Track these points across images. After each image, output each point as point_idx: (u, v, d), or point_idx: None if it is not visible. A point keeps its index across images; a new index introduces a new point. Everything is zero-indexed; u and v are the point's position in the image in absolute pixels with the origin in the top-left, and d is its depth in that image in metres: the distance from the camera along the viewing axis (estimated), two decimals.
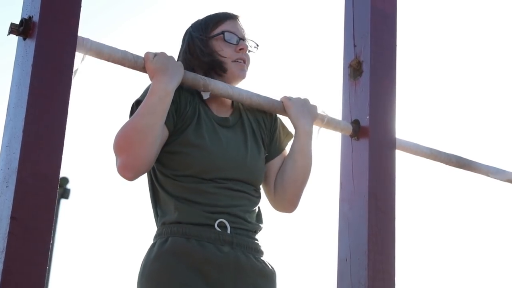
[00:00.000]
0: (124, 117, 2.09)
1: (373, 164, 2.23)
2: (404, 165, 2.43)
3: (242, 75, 2.21)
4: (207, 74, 2.17)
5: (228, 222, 2.04)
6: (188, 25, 2.28)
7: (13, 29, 1.74)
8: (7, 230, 1.57)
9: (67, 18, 1.76)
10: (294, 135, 2.23)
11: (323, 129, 2.31)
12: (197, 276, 1.97)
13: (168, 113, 2.01)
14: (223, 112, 2.21)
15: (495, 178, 2.71)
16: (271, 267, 2.12)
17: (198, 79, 2.09)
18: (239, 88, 2.17)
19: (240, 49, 2.21)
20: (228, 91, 2.13)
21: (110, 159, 2.03)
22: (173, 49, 2.27)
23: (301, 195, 2.22)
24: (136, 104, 2.07)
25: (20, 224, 1.59)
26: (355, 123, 2.30)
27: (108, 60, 1.94)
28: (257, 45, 2.27)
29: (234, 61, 2.20)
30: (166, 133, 2.05)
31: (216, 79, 2.16)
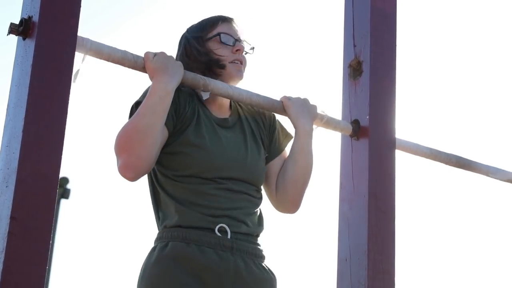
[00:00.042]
0: (124, 116, 2.10)
1: (373, 164, 2.22)
2: (404, 165, 2.43)
3: (239, 76, 2.21)
4: (205, 75, 2.17)
5: (229, 226, 2.04)
6: (188, 25, 2.28)
7: (13, 29, 1.74)
8: (7, 230, 1.57)
9: (66, 18, 1.76)
10: (294, 135, 2.23)
11: (322, 129, 2.31)
12: (196, 282, 1.97)
13: (168, 114, 2.01)
14: (221, 113, 2.21)
15: (495, 178, 2.71)
16: (271, 273, 2.12)
17: (198, 79, 2.09)
18: (239, 88, 2.17)
19: (237, 50, 2.21)
20: (228, 91, 2.13)
21: (110, 159, 2.03)
22: (173, 49, 2.28)
23: (303, 195, 2.22)
24: (136, 105, 2.07)
25: (20, 224, 1.59)
26: (355, 123, 2.30)
27: (108, 60, 1.94)
28: (253, 47, 2.28)
29: (231, 62, 2.20)
30: (166, 133, 2.05)
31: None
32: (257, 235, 2.13)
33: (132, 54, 1.99)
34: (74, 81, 1.75)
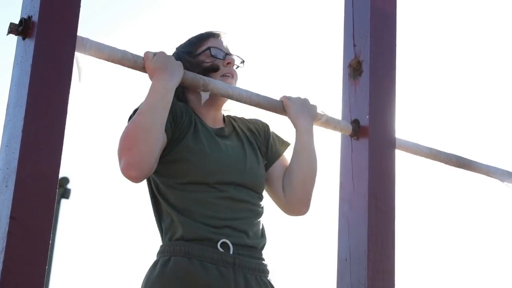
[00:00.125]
0: (124, 116, 2.10)
1: (373, 164, 2.22)
2: (404, 165, 2.43)
3: None
4: None
5: (230, 237, 2.02)
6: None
7: (13, 29, 1.74)
8: (7, 230, 1.57)
9: (66, 18, 1.76)
10: (295, 135, 2.23)
11: (322, 129, 2.32)
12: None
13: (166, 121, 2.01)
14: (216, 125, 2.22)
15: (495, 178, 2.71)
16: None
17: (198, 78, 2.09)
18: (239, 88, 2.17)
19: (228, 63, 2.22)
20: (227, 91, 2.13)
21: (111, 159, 2.03)
22: (173, 49, 2.27)
23: (311, 194, 2.21)
24: (134, 113, 2.06)
25: (19, 224, 1.59)
26: (355, 122, 2.30)
27: (108, 60, 1.94)
28: (243, 61, 2.28)
29: (223, 75, 2.20)
30: (165, 139, 2.04)
31: None
32: (261, 248, 2.12)
33: (132, 54, 1.99)
34: (80, 81, 1.75)
